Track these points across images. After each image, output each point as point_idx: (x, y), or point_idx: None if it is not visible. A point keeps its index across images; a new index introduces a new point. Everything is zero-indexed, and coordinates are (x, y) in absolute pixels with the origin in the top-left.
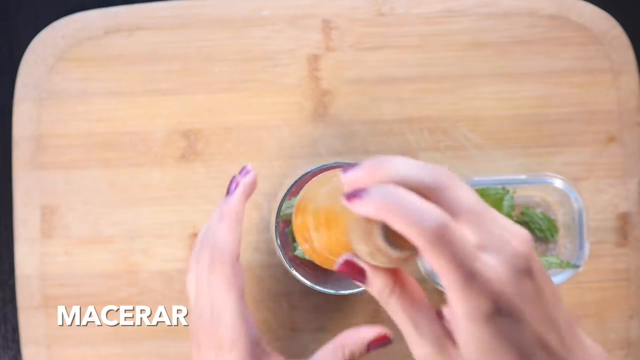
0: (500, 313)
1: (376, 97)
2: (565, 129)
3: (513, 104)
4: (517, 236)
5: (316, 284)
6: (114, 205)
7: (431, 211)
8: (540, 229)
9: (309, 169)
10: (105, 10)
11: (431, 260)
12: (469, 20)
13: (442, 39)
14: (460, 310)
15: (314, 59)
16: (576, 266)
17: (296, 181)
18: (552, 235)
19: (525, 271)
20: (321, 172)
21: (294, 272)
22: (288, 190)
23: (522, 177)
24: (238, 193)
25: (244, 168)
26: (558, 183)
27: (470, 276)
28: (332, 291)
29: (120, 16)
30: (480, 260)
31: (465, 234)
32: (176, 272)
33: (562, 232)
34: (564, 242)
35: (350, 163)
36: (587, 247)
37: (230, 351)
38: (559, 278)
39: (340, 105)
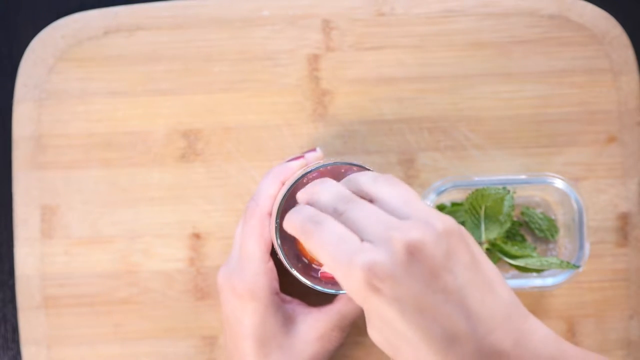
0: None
1: (376, 97)
2: (565, 129)
3: (513, 104)
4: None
5: (316, 284)
6: (114, 205)
7: (305, 212)
8: (540, 229)
9: (309, 169)
10: (105, 10)
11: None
12: (468, 20)
13: (441, 39)
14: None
15: (314, 59)
16: (576, 266)
17: (296, 181)
18: (552, 235)
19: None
20: (320, 172)
21: (294, 272)
22: (288, 190)
23: (522, 177)
24: (297, 161)
25: (314, 149)
26: (558, 183)
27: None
28: (332, 291)
29: (120, 16)
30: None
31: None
32: (176, 272)
33: (562, 232)
34: (564, 242)
35: (349, 163)
36: (587, 247)
37: (252, 299)
38: (559, 278)
39: (340, 105)
